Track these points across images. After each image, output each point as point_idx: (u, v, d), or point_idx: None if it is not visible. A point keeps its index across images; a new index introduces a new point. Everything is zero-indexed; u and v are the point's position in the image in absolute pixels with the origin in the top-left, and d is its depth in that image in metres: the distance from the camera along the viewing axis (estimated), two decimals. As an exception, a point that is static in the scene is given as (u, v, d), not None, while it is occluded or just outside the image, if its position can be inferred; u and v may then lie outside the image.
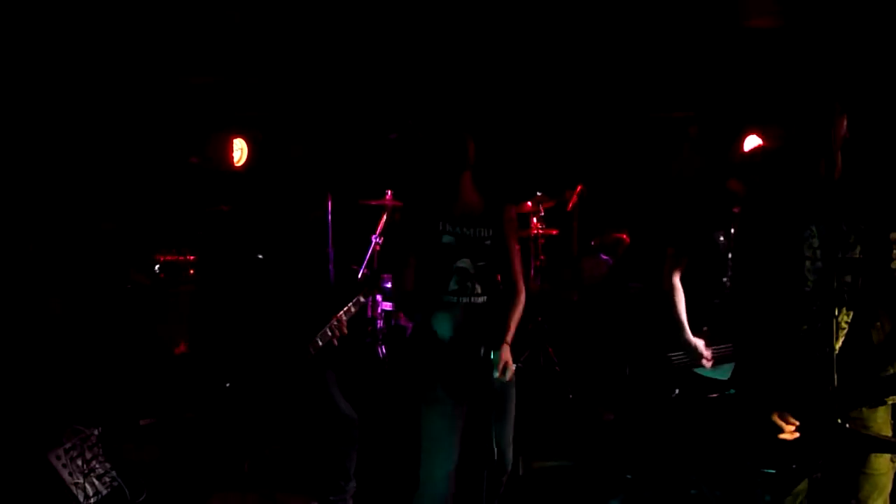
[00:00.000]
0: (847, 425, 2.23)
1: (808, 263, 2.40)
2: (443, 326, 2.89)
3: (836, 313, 2.39)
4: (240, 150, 5.29)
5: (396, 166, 5.49)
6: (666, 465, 3.71)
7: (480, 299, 2.93)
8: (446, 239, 2.92)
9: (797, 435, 2.39)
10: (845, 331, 2.41)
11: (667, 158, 5.89)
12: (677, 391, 3.37)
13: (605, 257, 5.61)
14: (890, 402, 2.41)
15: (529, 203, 5.63)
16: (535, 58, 5.61)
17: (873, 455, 2.42)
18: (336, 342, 3.35)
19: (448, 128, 2.96)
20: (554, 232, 5.76)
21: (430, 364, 2.89)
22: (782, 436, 2.39)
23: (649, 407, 3.74)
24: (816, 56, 4.93)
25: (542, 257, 5.69)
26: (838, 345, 2.40)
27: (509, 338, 2.93)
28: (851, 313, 2.40)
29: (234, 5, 4.68)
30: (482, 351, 2.78)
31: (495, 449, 2.73)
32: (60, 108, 5.07)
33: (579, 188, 5.69)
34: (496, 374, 2.82)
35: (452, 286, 2.91)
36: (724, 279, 3.41)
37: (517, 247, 3.07)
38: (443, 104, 5.69)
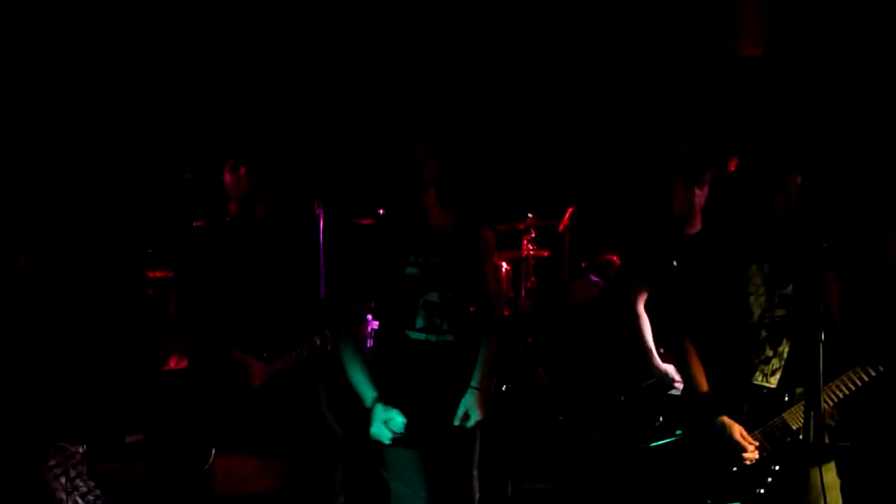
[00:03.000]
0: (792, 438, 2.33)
1: (752, 298, 2.54)
2: (407, 368, 2.62)
3: (778, 345, 2.54)
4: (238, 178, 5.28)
5: (388, 184, 5.50)
6: (655, 487, 3.71)
7: (449, 337, 2.63)
8: (410, 271, 2.60)
9: (757, 455, 2.45)
10: (784, 363, 2.55)
11: (659, 179, 5.94)
12: (661, 419, 3.38)
13: (595, 279, 5.63)
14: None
15: (521, 224, 5.66)
16: (529, 79, 5.67)
17: (823, 470, 2.47)
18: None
19: (399, 142, 2.62)
20: (545, 253, 5.77)
21: (391, 402, 2.60)
22: (746, 455, 2.45)
23: (636, 432, 3.75)
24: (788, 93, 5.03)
25: (532, 279, 5.70)
26: (777, 377, 2.55)
27: (479, 383, 2.63)
28: (788, 345, 2.54)
29: (229, 24, 4.72)
30: (445, 399, 2.59)
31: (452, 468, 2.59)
32: (51, 118, 5.08)
33: (571, 209, 5.72)
34: (457, 420, 2.59)
35: (419, 323, 2.60)
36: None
37: (493, 274, 2.77)
38: (435, 123, 5.72)
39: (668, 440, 2.91)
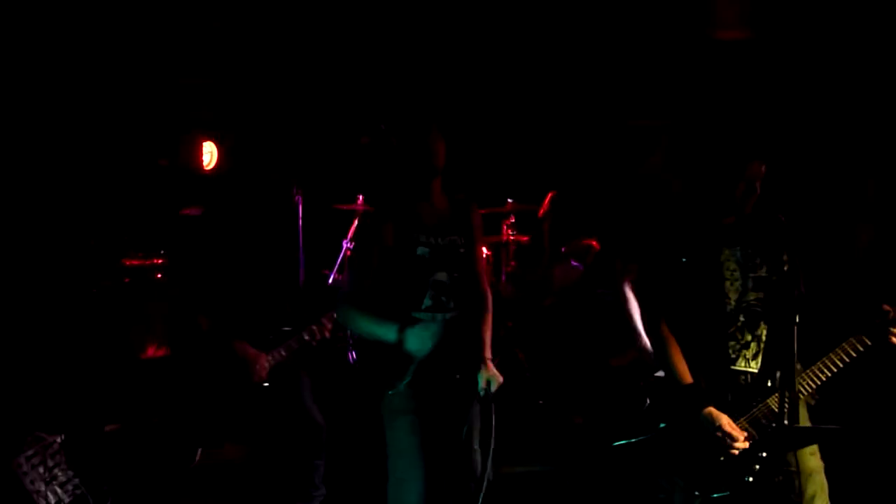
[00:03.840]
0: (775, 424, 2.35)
1: (727, 284, 2.55)
2: (417, 345, 2.65)
3: (756, 329, 2.56)
4: (209, 154, 5.23)
5: (368, 171, 5.48)
6: (635, 469, 3.75)
7: (454, 314, 2.73)
8: (421, 251, 2.69)
9: (747, 445, 2.47)
10: (763, 347, 2.56)
11: (638, 166, 5.97)
12: (648, 401, 3.40)
13: (575, 264, 5.65)
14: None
15: (501, 209, 5.66)
16: (508, 65, 5.66)
17: (807, 454, 2.53)
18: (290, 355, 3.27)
19: (420, 129, 2.73)
20: (525, 238, 5.79)
21: (400, 382, 2.69)
22: (736, 445, 2.46)
23: (620, 414, 3.78)
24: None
25: (512, 263, 5.72)
26: (758, 361, 2.57)
27: (488, 353, 2.78)
28: (766, 328, 2.56)
29: (212, 11, 4.65)
30: (459, 375, 2.66)
31: (478, 464, 2.64)
32: (21, 105, 4.97)
33: (551, 195, 5.73)
34: (481, 391, 2.68)
35: (427, 302, 2.68)
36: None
37: (483, 252, 2.93)
38: (415, 108, 5.69)
39: (639, 438, 2.93)
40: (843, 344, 2.52)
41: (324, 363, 5.17)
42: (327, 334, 3.35)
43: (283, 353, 3.29)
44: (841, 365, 2.52)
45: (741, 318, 2.55)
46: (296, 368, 3.38)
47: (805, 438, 2.50)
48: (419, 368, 2.67)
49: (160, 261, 5.03)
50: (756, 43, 5.19)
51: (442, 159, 2.74)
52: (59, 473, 3.47)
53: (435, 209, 2.78)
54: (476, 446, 2.83)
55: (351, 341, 5.33)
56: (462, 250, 2.77)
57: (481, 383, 2.71)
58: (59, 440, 3.51)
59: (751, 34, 5.18)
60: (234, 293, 3.30)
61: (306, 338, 3.31)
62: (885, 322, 2.50)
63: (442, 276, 2.71)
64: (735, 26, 5.18)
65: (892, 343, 2.49)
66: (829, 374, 2.52)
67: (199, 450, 3.85)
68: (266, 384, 3.26)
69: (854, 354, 2.51)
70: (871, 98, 4.89)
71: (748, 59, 5.22)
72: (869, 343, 2.50)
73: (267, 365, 3.24)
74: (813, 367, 2.52)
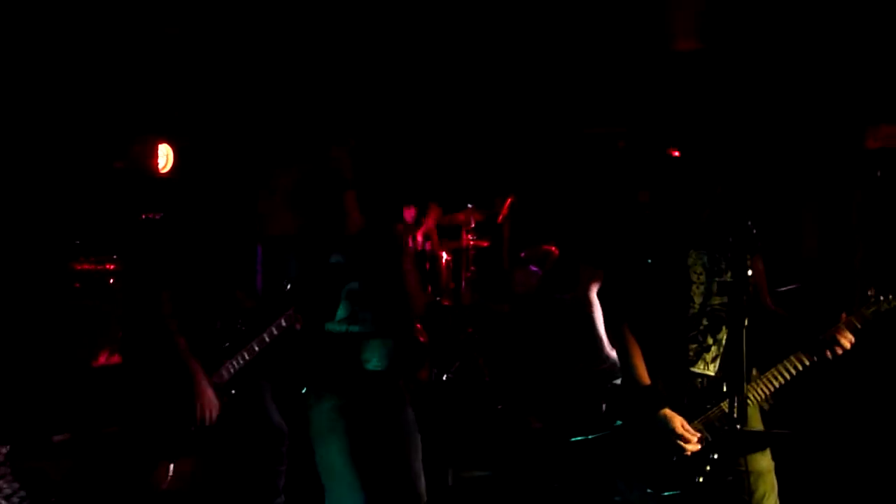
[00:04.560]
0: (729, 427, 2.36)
1: (693, 287, 2.58)
2: (330, 359, 2.64)
3: (718, 333, 2.59)
4: (165, 157, 5.13)
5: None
6: (591, 473, 3.79)
7: (369, 328, 2.67)
8: (335, 259, 2.67)
9: (699, 447, 2.50)
10: (722, 351, 2.60)
11: (596, 172, 6.05)
12: (604, 406, 3.43)
13: (534, 269, 5.70)
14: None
15: (461, 215, 5.68)
16: (467, 72, 5.68)
17: (758, 455, 2.57)
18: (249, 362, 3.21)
19: (322, 144, 2.72)
20: (485, 244, 5.81)
21: (319, 396, 2.68)
22: (688, 446, 2.49)
23: (577, 418, 3.81)
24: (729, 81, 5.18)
25: (472, 268, 5.73)
26: (717, 364, 2.60)
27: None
28: (726, 332, 2.58)
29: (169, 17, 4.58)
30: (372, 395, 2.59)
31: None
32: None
33: (510, 200, 5.77)
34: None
35: (341, 313, 2.66)
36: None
37: (411, 270, 2.82)
38: (376, 114, 5.68)
39: (598, 434, 2.95)
40: (791, 356, 2.55)
41: (295, 371, 5.11)
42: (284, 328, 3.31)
43: (247, 356, 3.23)
44: (788, 377, 2.55)
45: (704, 322, 2.57)
46: (256, 375, 3.32)
47: (755, 443, 2.54)
48: (338, 386, 2.63)
49: (113, 266, 4.91)
50: (708, 53, 5.31)
51: (349, 173, 2.71)
52: (4, 485, 3.37)
53: (352, 222, 2.73)
54: (416, 464, 2.76)
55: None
56: (378, 265, 2.71)
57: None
58: (4, 451, 3.41)
59: (703, 45, 5.31)
60: (190, 299, 3.22)
61: (267, 339, 3.26)
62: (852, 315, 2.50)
63: (355, 286, 2.67)
64: (689, 37, 5.30)
65: (829, 357, 2.51)
66: (781, 383, 2.56)
67: (171, 466, 3.76)
68: (233, 391, 3.19)
69: (799, 368, 2.55)
70: (819, 103, 5.04)
71: (701, 69, 5.34)
72: (808, 362, 2.54)
73: (217, 403, 3.18)
74: (766, 374, 2.56)
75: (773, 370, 2.56)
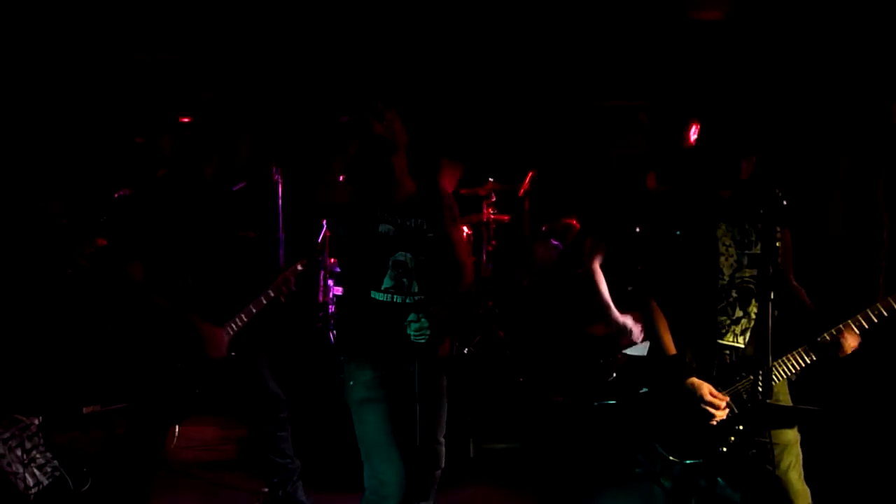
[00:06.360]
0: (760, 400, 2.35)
1: (722, 259, 2.56)
2: (373, 327, 2.60)
3: (748, 306, 2.57)
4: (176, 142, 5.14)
5: (346, 150, 5.43)
6: (611, 446, 3.81)
7: (417, 299, 2.62)
8: (383, 228, 2.61)
9: (725, 415, 2.50)
10: (753, 323, 2.58)
11: (616, 145, 6.00)
12: (614, 375, 3.43)
13: (555, 242, 5.68)
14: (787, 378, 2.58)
15: (481, 189, 5.66)
16: (488, 48, 5.63)
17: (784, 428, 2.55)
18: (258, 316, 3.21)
19: (372, 107, 2.59)
20: (505, 218, 5.79)
21: (360, 364, 2.63)
22: (717, 412, 2.49)
23: (591, 391, 3.82)
24: (757, 52, 5.08)
25: (493, 242, 5.73)
26: (746, 337, 2.59)
27: (437, 309, 2.60)
28: (756, 305, 2.57)
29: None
30: (414, 364, 2.55)
31: (418, 438, 2.56)
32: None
33: (531, 174, 5.74)
34: (411, 334, 2.53)
35: (387, 283, 2.60)
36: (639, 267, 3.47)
37: (463, 238, 2.78)
38: (396, 88, 5.66)
39: (619, 401, 2.95)
40: (800, 349, 2.54)
41: (305, 343, 5.17)
42: (292, 287, 3.30)
43: (244, 317, 3.25)
44: (809, 361, 2.54)
45: (733, 294, 2.56)
46: (255, 343, 3.34)
47: (782, 418, 2.53)
48: (380, 355, 2.60)
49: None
50: (731, 24, 5.20)
51: (399, 136, 2.63)
52: (38, 455, 3.45)
53: (402, 190, 2.68)
54: (440, 438, 2.77)
55: (332, 321, 5.33)
56: (430, 234, 2.66)
57: (411, 327, 2.54)
58: (36, 422, 3.48)
59: (726, 15, 5.20)
60: (183, 270, 3.21)
61: (272, 294, 3.27)
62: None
63: (403, 255, 2.61)
64: (711, 7, 5.20)
65: (839, 356, 2.50)
66: (808, 363, 2.54)
67: (177, 427, 3.82)
68: (233, 353, 3.22)
69: (808, 361, 2.54)
70: (845, 78, 4.92)
71: (723, 40, 5.24)
72: (808, 361, 2.53)
73: (226, 338, 3.21)
74: (793, 353, 2.54)
75: (796, 351, 2.54)
